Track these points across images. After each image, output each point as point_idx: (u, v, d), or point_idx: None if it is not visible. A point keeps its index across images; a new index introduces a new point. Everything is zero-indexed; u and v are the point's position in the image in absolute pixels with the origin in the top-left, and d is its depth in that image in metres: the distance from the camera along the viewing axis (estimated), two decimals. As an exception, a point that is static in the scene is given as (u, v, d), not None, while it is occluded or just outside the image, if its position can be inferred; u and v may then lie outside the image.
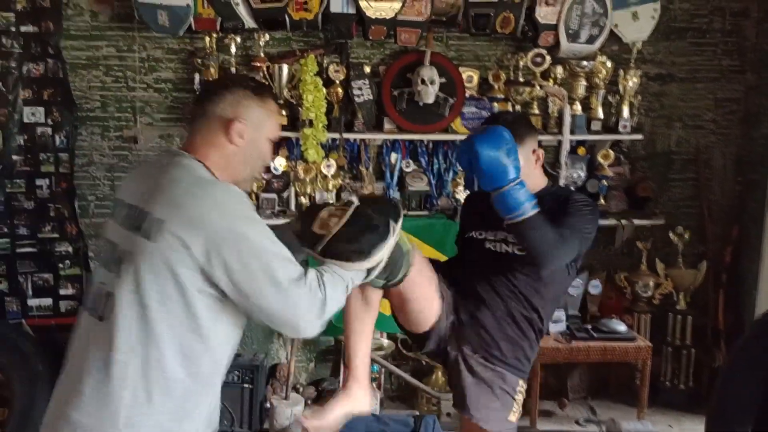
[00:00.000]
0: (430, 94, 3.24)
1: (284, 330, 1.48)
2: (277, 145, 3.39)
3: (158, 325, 1.38)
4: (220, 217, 1.38)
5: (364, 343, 1.92)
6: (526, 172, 1.88)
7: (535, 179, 2.01)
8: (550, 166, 3.33)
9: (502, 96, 3.42)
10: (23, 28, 3.27)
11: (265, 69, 3.27)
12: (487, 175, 1.82)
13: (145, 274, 1.37)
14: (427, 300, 1.94)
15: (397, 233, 1.60)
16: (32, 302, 3.36)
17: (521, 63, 3.40)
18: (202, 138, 1.53)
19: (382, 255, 1.56)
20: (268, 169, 3.36)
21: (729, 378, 2.16)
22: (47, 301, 3.36)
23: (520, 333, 2.00)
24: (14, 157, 3.32)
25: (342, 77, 3.31)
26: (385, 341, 3.57)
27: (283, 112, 3.28)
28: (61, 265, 3.37)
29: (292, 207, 3.35)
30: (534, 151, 2.01)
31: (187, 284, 1.37)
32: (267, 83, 1.72)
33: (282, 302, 1.40)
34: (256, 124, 1.54)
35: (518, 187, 1.80)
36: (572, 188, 1.89)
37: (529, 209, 1.80)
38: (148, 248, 1.37)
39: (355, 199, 1.62)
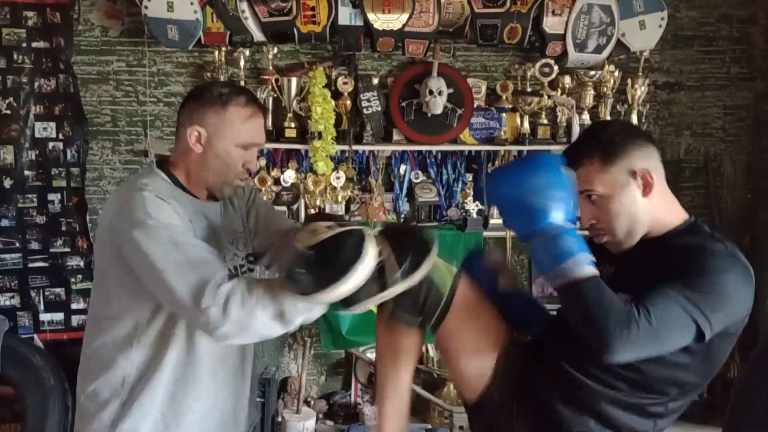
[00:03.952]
0: (438, 104, 3.25)
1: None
2: (287, 158, 3.41)
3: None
4: (117, 219, 1.53)
5: (390, 388, 1.60)
6: (619, 204, 1.42)
7: (641, 214, 1.43)
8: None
9: (510, 106, 3.43)
10: (34, 44, 3.30)
11: (273, 82, 3.30)
12: (509, 220, 1.43)
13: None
14: (469, 355, 1.53)
15: (370, 257, 1.35)
16: (44, 317, 3.36)
17: (529, 73, 3.40)
18: (177, 146, 1.66)
19: (343, 288, 1.33)
20: (277, 182, 3.37)
21: (744, 388, 2.14)
22: (59, 316, 3.36)
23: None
24: (26, 172, 3.34)
25: (350, 89, 3.33)
26: (396, 353, 3.55)
27: (293, 124, 3.31)
28: (72, 280, 3.37)
29: (302, 219, 3.35)
30: (635, 173, 1.42)
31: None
32: (240, 87, 1.84)
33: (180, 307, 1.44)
34: (215, 131, 1.58)
35: (557, 234, 1.32)
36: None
37: (572, 268, 1.29)
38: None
39: (370, 231, 1.41)
